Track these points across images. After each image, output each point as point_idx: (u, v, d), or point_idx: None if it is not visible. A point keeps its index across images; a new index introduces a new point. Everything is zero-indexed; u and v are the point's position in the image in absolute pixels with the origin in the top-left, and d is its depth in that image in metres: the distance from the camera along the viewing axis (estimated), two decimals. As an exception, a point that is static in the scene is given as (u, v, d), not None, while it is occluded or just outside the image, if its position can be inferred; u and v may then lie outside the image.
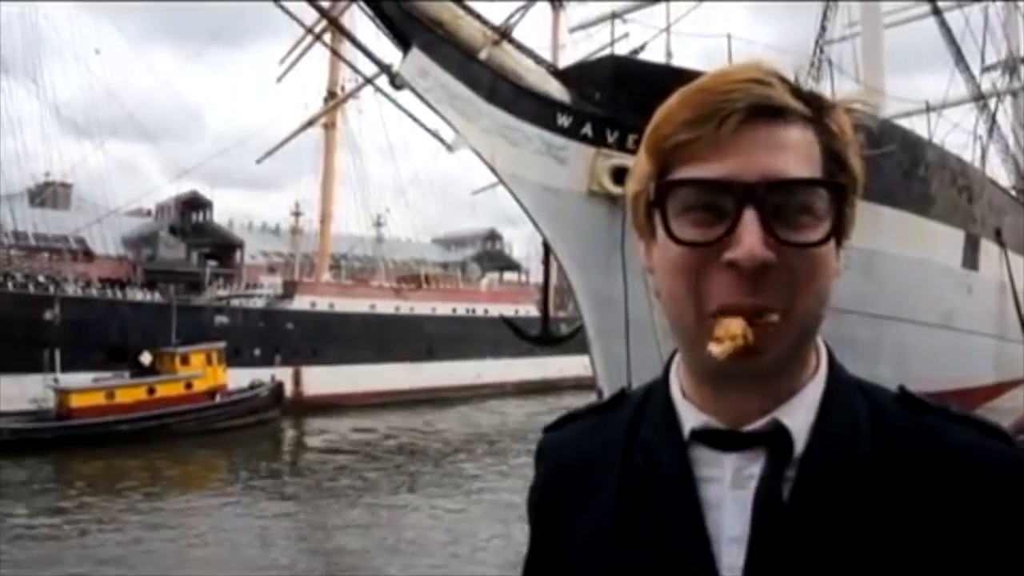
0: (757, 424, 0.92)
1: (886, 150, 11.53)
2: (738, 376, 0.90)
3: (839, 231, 0.91)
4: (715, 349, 0.85)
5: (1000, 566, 0.87)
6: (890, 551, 0.86)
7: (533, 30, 41.47)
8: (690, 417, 0.96)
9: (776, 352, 0.88)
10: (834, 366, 0.97)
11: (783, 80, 0.90)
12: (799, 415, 0.92)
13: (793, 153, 0.88)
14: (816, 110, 0.91)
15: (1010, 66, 31.97)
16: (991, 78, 30.07)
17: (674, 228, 0.90)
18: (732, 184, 0.86)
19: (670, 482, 0.95)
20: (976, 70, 25.05)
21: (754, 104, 0.87)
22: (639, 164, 0.95)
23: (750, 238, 0.85)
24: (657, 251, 0.94)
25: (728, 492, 0.92)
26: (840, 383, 0.96)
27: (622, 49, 14.79)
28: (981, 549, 0.86)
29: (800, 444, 0.91)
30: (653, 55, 15.60)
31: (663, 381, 1.02)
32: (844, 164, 0.92)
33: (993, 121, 25.29)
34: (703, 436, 0.95)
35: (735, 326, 0.85)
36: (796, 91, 0.91)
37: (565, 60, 32.25)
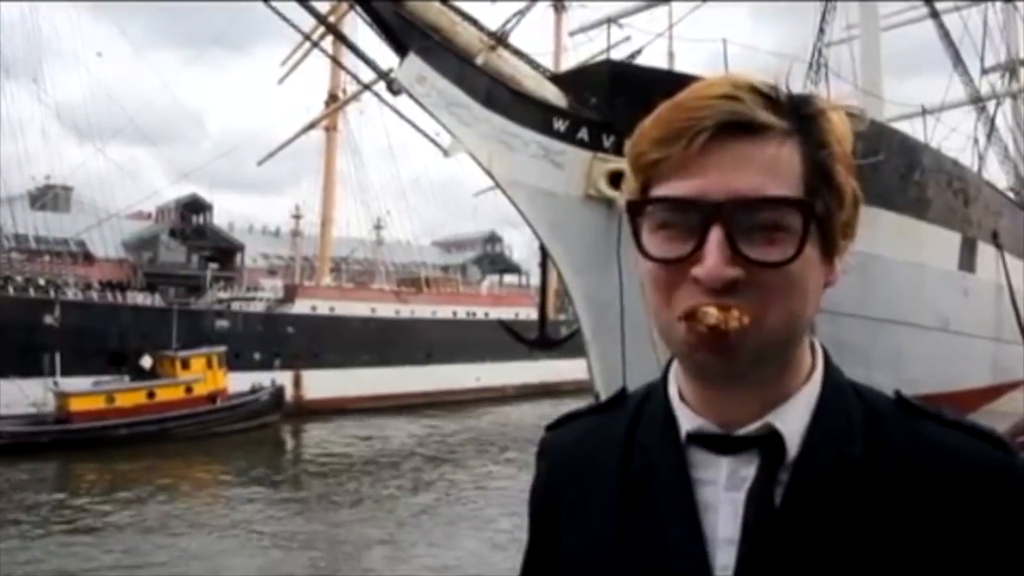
0: (750, 427, 0.93)
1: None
2: (714, 376, 0.92)
3: (826, 244, 0.92)
4: (711, 310, 0.86)
5: (991, 571, 0.88)
6: (880, 555, 0.87)
7: (536, 33, 41.59)
8: (686, 420, 0.97)
9: (747, 354, 0.88)
10: (830, 370, 0.98)
11: (759, 93, 0.90)
12: (792, 419, 0.93)
13: (764, 169, 0.88)
14: (798, 121, 0.90)
15: (1010, 68, 31.90)
16: (990, 81, 30.07)
17: (648, 244, 0.92)
18: (699, 202, 0.87)
19: (667, 484, 0.96)
20: (975, 73, 25.05)
21: (722, 121, 0.87)
22: (627, 178, 0.97)
23: (713, 257, 0.86)
24: (641, 262, 0.95)
25: (723, 494, 0.93)
26: (835, 388, 0.97)
27: (623, 53, 14.84)
28: (972, 554, 0.87)
29: (793, 448, 0.92)
30: (656, 59, 15.61)
31: (662, 383, 1.03)
32: (829, 176, 0.91)
33: (992, 124, 25.28)
34: (699, 439, 0.96)
35: (711, 311, 0.87)
36: (775, 103, 0.90)
37: (567, 63, 32.35)
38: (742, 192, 0.87)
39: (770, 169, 0.88)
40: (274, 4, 11.95)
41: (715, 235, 0.86)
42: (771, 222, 0.87)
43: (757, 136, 0.89)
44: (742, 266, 0.87)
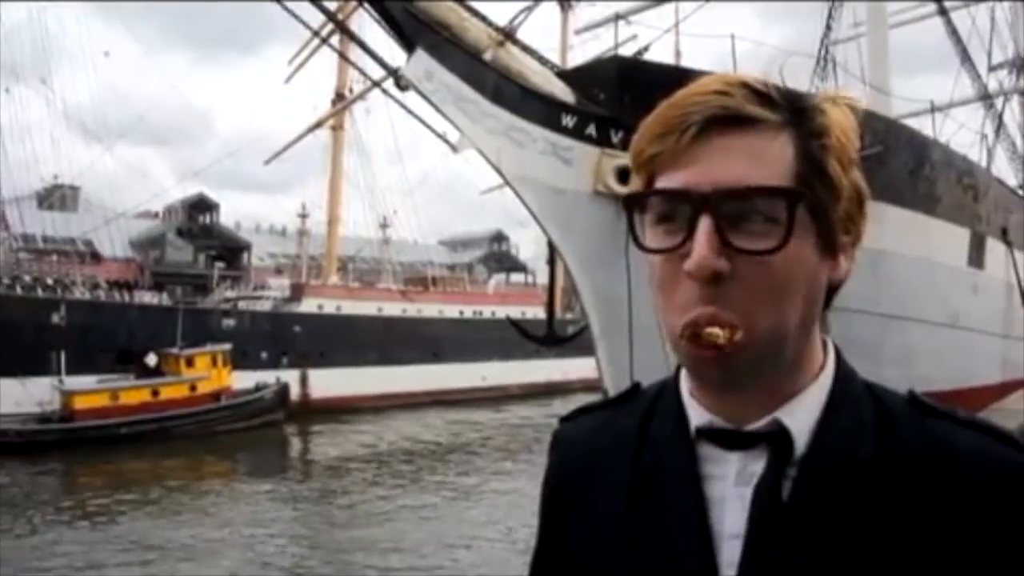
0: (758, 423, 0.93)
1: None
2: (715, 385, 0.93)
3: (824, 238, 0.91)
4: (716, 330, 0.87)
5: (1005, 573, 0.86)
6: (888, 555, 0.87)
7: (542, 32, 41.73)
8: (696, 415, 0.98)
9: (744, 368, 0.89)
10: (842, 368, 0.98)
11: (751, 88, 0.91)
12: (801, 416, 0.93)
13: (750, 160, 0.88)
14: (793, 114, 0.91)
15: (1017, 65, 31.86)
16: (998, 77, 30.07)
17: (648, 238, 0.93)
18: (688, 194, 0.88)
19: (676, 479, 0.96)
20: (983, 69, 25.04)
21: (711, 115, 0.89)
22: (632, 176, 0.98)
23: (701, 247, 0.86)
24: (645, 258, 0.95)
25: (731, 489, 0.93)
26: (847, 385, 0.96)
27: (630, 52, 14.83)
28: (985, 555, 0.86)
29: (802, 444, 0.92)
30: (663, 58, 15.59)
31: (674, 379, 1.03)
32: (821, 168, 0.90)
33: (1000, 120, 25.28)
34: (709, 434, 0.96)
35: (716, 331, 0.87)
36: (767, 98, 0.91)
37: (574, 61, 32.36)
38: (726, 182, 0.87)
39: (757, 160, 0.89)
40: (284, 2, 11.96)
41: (703, 225, 0.87)
42: (760, 213, 0.88)
43: (747, 129, 0.89)
44: (730, 257, 0.87)
